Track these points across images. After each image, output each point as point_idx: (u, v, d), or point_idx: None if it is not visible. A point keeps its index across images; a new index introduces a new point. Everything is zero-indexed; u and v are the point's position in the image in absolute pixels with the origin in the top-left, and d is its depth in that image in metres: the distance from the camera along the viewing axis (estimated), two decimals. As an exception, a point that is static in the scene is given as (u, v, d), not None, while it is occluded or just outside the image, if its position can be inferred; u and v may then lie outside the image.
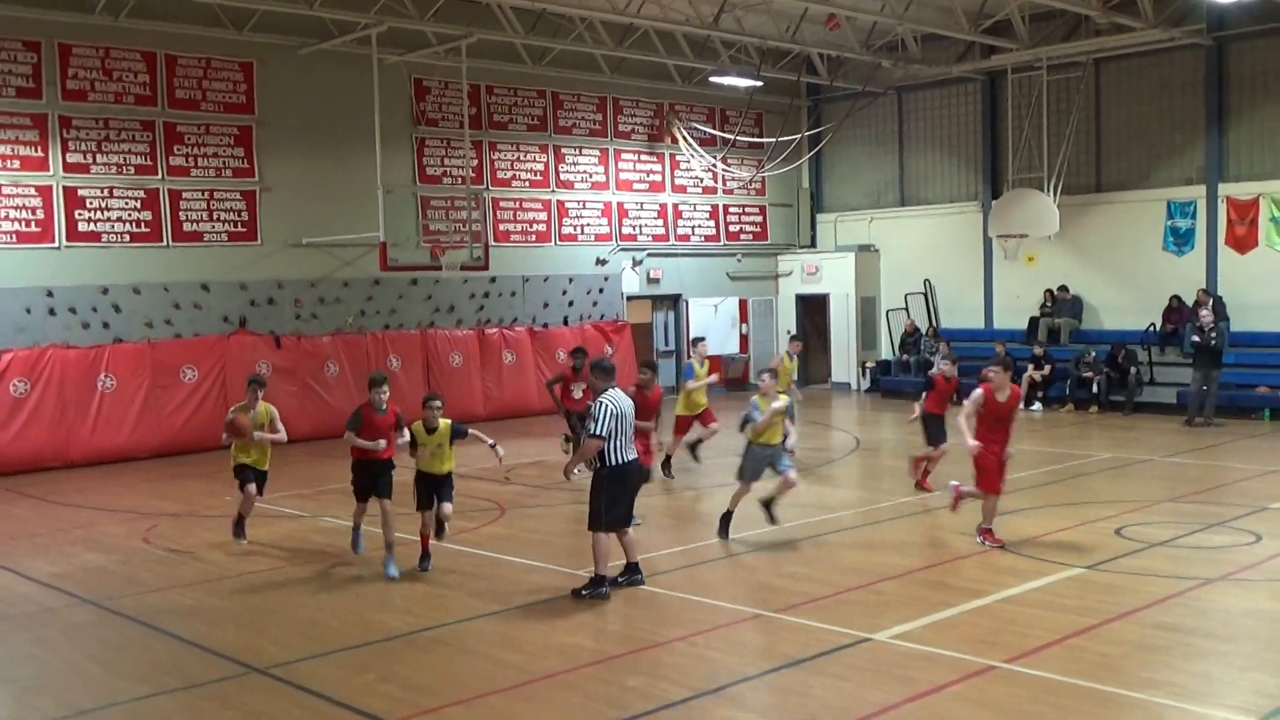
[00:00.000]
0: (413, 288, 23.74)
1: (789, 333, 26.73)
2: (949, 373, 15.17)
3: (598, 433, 9.86)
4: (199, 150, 21.15)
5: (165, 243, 20.78)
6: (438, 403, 11.59)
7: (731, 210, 29.92)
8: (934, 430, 15.01)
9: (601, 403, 9.97)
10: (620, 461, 10.03)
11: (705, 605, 10.07)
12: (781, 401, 12.47)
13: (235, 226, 21.59)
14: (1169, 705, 7.55)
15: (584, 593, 10.15)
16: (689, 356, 18.69)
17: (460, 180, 24.03)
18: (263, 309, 21.79)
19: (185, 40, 20.84)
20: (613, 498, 10.09)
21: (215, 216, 21.34)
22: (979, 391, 11.75)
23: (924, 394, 15.22)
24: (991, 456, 11.66)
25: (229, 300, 21.39)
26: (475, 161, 24.61)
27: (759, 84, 27.07)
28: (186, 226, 21.00)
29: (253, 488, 12.64)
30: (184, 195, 20.97)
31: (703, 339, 17.97)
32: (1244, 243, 23.64)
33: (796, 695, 7.70)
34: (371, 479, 11.52)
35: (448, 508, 11.41)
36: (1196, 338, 21.07)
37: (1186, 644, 8.75)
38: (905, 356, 27.76)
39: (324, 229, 22.21)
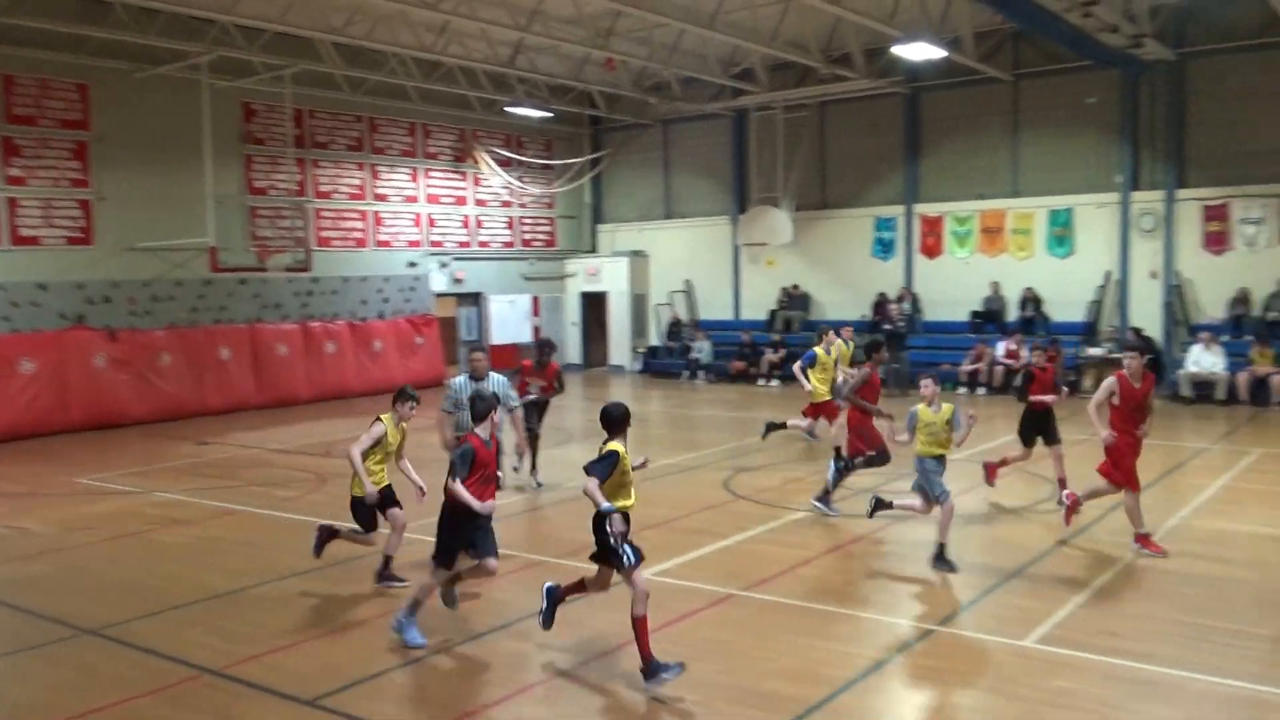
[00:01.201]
0: (241, 286, 22.63)
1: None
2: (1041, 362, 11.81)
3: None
4: (36, 162, 19.57)
5: (4, 245, 19.17)
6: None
7: (525, 221, 29.76)
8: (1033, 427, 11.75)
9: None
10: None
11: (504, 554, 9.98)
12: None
13: (72, 232, 20.09)
14: (868, 618, 7.98)
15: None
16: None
17: (286, 192, 23.08)
18: (99, 307, 20.32)
19: (23, 62, 19.22)
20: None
21: (52, 223, 19.80)
22: (1112, 379, 9.49)
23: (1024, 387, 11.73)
24: (1128, 448, 9.42)
25: (66, 299, 19.87)
26: (299, 176, 23.65)
27: (549, 114, 27.08)
28: (24, 231, 19.42)
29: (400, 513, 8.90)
30: (21, 203, 19.38)
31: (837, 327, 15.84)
32: (933, 251, 25.12)
33: (571, 626, 7.73)
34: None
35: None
36: (889, 325, 22.48)
37: (882, 569, 9.23)
38: (670, 343, 28.36)
39: (158, 234, 20.89)
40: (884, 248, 25.84)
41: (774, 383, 24.67)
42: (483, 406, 7.59)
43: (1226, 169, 21.47)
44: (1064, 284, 23.20)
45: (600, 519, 6.78)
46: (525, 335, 28.50)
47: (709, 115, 27.44)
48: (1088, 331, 22.67)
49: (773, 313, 26.92)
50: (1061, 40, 19.11)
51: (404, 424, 8.85)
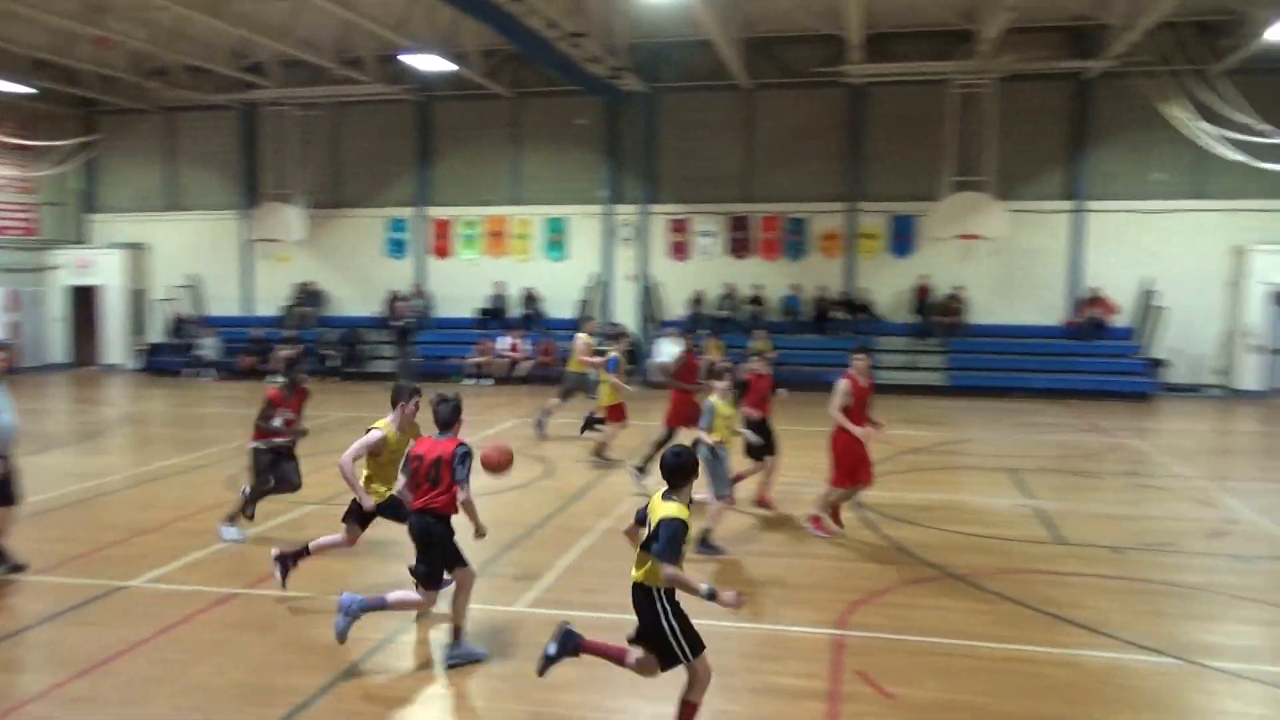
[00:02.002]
0: None
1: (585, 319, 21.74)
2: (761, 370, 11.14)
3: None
4: None
5: None
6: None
7: (1, 206, 25.57)
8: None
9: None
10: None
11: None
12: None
13: None
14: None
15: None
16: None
17: None
18: None
19: None
20: None
21: None
22: (845, 381, 9.57)
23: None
24: (855, 444, 9.58)
25: None
26: None
27: (31, 91, 23.42)
28: None
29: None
30: None
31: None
32: (443, 251, 25.58)
33: (45, 648, 6.80)
34: None
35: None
36: (397, 323, 22.63)
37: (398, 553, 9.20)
38: (175, 340, 26.00)
39: None
40: (397, 247, 25.83)
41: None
42: None
43: (688, 189, 24.30)
44: (559, 284, 24.80)
45: (648, 597, 5.31)
46: (1, 332, 24.55)
47: (217, 106, 25.53)
48: (578, 326, 24.39)
49: (287, 309, 25.74)
50: (553, 65, 20.38)
51: (413, 423, 7.65)
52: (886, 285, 23.66)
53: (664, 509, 5.24)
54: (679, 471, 5.30)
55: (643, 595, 5.33)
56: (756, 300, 23.76)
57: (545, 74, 22.92)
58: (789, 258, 24.15)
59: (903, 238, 23.56)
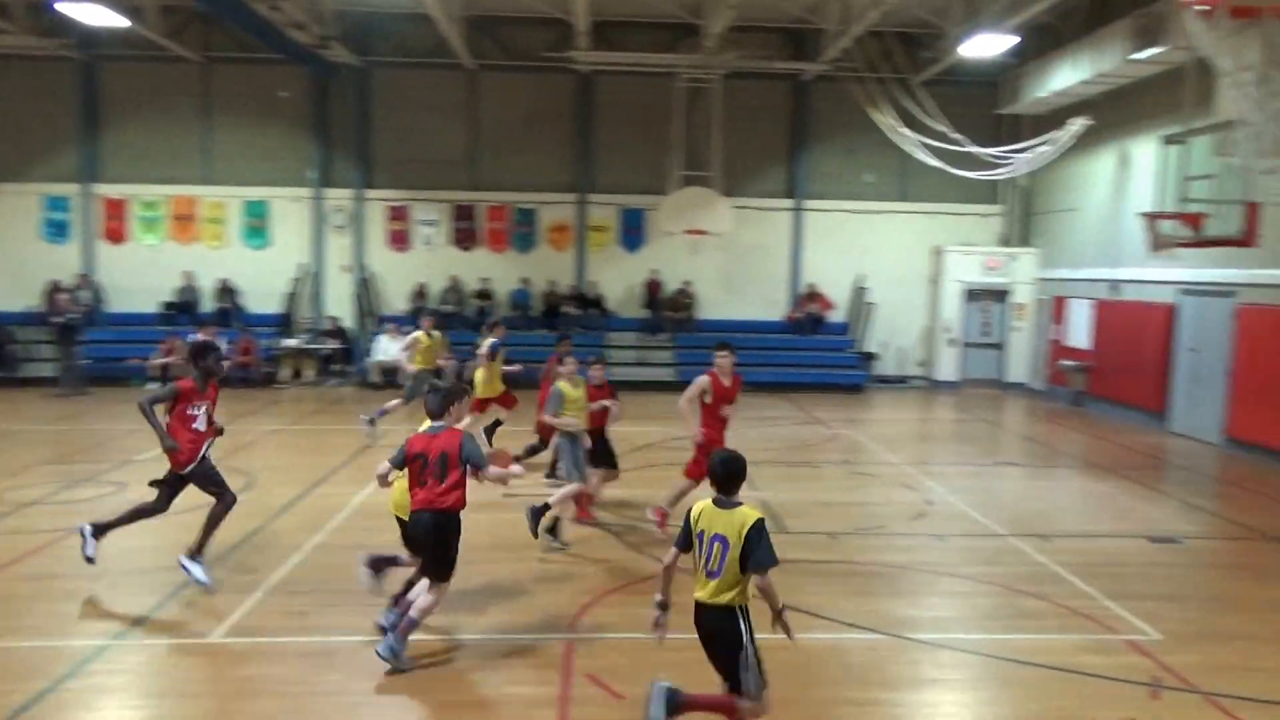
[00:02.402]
0: None
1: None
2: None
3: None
4: None
5: None
6: None
7: None
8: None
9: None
10: None
11: None
12: None
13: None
14: (29, 646, 7.26)
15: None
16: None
17: None
18: None
19: None
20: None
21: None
22: (705, 378, 9.77)
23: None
24: (716, 444, 9.48)
25: None
26: None
27: None
28: None
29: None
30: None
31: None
32: (118, 236, 23.69)
33: None
34: None
35: None
36: (58, 319, 20.70)
37: (52, 588, 8.47)
38: None
39: None
40: (57, 230, 23.63)
41: None
42: None
43: (407, 174, 23.96)
44: (261, 275, 23.68)
45: (731, 619, 5.28)
46: None
47: None
48: (283, 323, 23.47)
49: (-84, 300, 22.88)
50: (248, 28, 19.39)
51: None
52: (618, 279, 24.46)
53: (742, 516, 5.29)
54: (737, 477, 5.42)
55: (724, 618, 5.26)
56: (484, 294, 23.83)
57: (242, 38, 21.81)
58: (517, 250, 24.40)
59: (633, 231, 24.44)
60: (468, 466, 6.78)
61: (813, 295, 24.22)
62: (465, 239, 24.26)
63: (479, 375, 13.97)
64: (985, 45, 18.66)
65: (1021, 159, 20.72)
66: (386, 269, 24.13)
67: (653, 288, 24.19)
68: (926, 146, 20.64)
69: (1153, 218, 14.06)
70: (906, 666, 7.11)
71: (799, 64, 23.22)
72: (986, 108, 23.33)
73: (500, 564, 9.29)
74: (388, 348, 22.12)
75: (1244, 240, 12.74)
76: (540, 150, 24.22)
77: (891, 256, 24.37)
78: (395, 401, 15.34)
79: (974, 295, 23.92)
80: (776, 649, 7.20)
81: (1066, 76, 19.63)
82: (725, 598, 5.28)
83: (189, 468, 8.28)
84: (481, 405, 13.86)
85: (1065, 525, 11.10)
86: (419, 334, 15.80)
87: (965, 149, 20.20)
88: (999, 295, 23.90)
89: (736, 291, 24.57)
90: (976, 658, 7.30)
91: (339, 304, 23.86)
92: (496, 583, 8.75)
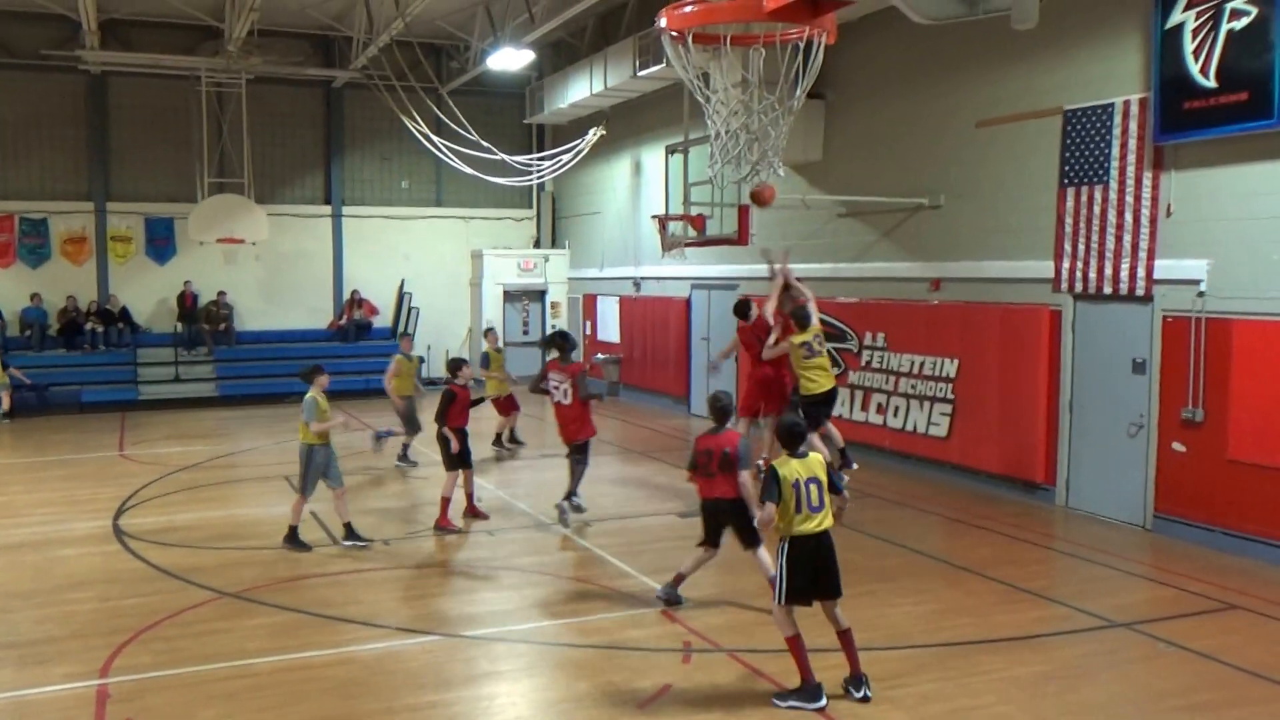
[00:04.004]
0: None
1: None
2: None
3: None
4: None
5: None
6: None
7: None
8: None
9: None
10: None
11: None
12: None
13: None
14: None
15: None
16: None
17: None
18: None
19: None
20: None
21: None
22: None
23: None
24: None
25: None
26: None
27: None
28: None
29: None
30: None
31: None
32: None
33: None
34: None
35: None
36: None
37: None
38: None
39: None
40: None
41: None
42: None
43: None
44: None
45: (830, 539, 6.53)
46: None
47: None
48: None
49: None
50: None
51: None
52: (147, 293, 22.25)
53: (817, 459, 6.48)
54: (801, 437, 6.55)
55: (829, 539, 6.38)
56: (-15, 314, 20.50)
57: None
58: (27, 264, 21.34)
59: (161, 241, 22.35)
60: None
61: (358, 301, 23.60)
62: (-41, 253, 20.76)
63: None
64: (507, 59, 19.19)
65: (546, 166, 21.60)
66: None
67: (188, 300, 22.19)
68: (458, 154, 20.85)
69: (662, 220, 15.19)
70: (462, 664, 7.07)
71: (329, 71, 22.49)
72: (516, 117, 24.11)
73: (45, 607, 7.96)
74: None
75: (739, 239, 14.15)
76: (49, 156, 21.45)
77: (433, 261, 24.41)
78: None
79: (513, 296, 24.62)
80: (334, 665, 6.88)
81: (582, 89, 20.76)
82: (830, 521, 6.43)
83: None
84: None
85: (606, 509, 11.59)
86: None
87: (496, 156, 20.69)
88: (537, 295, 24.81)
89: (278, 301, 23.33)
90: (530, 646, 7.44)
91: None
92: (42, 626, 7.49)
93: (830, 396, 10.91)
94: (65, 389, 20.05)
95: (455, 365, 11.16)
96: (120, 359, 21.14)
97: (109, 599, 8.44)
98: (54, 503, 12.18)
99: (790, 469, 6.30)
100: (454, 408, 10.64)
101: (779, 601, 6.30)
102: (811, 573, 6.28)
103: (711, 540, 7.84)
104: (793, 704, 6.23)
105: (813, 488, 6.29)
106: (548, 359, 11.14)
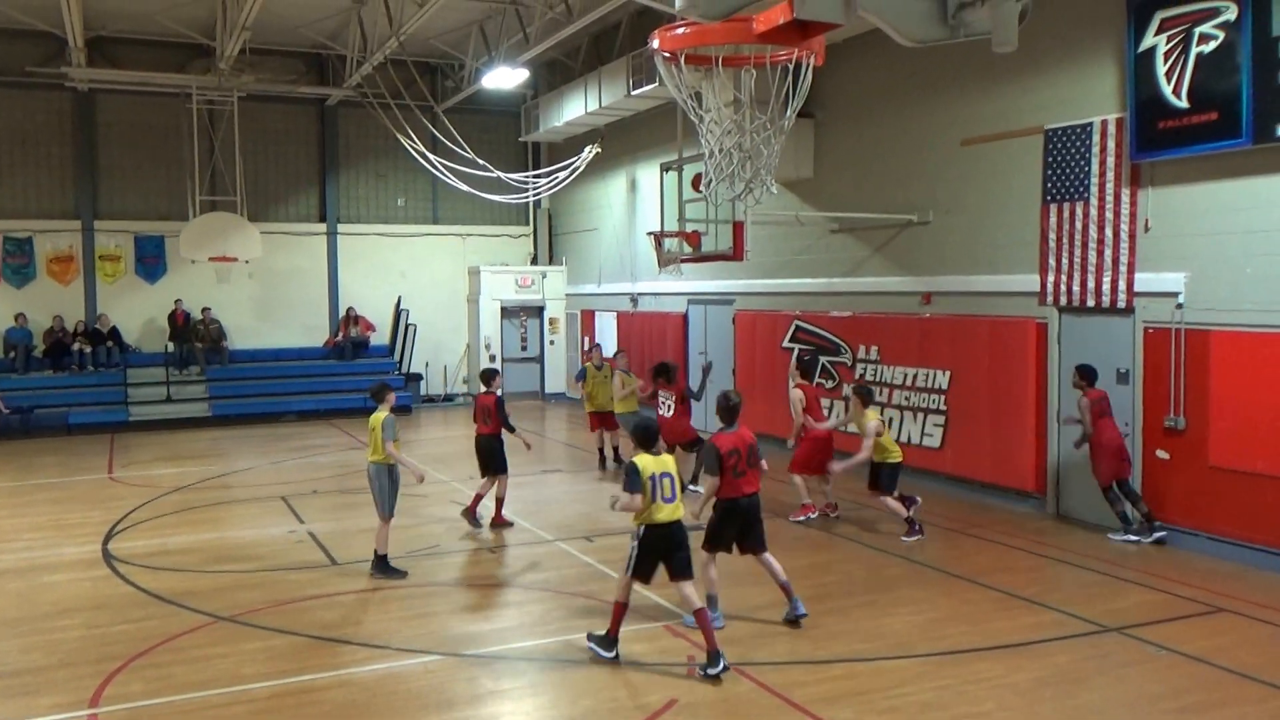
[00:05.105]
0: None
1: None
2: None
3: None
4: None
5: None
6: None
7: None
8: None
9: None
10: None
11: None
12: None
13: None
14: None
15: None
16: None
17: None
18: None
19: None
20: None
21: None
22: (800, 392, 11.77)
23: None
24: None
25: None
26: None
27: None
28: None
29: None
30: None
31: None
32: None
33: None
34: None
35: None
36: None
37: None
38: None
39: None
40: None
41: None
42: None
43: None
44: None
45: None
46: None
47: None
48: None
49: None
50: None
51: None
52: (137, 312, 22.23)
53: (669, 458, 7.36)
54: (654, 438, 7.38)
55: (681, 527, 7.25)
56: (-30, 334, 20.49)
57: None
58: (12, 283, 21.31)
59: (151, 260, 22.34)
60: None
61: (354, 319, 23.64)
62: (-57, 273, 20.76)
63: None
64: (502, 78, 19.31)
65: (542, 183, 21.71)
66: None
67: (179, 319, 22.19)
68: (455, 171, 20.94)
69: (658, 237, 15.29)
70: (464, 684, 7.09)
71: (322, 89, 22.58)
72: (511, 135, 24.22)
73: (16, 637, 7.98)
74: None
75: (734, 255, 14.28)
76: (35, 173, 21.44)
77: (429, 278, 24.47)
78: None
79: (510, 312, 24.69)
80: (333, 688, 6.90)
81: (577, 108, 20.89)
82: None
83: None
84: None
85: (607, 524, 11.58)
86: None
87: (492, 174, 20.79)
88: (535, 311, 24.88)
89: (273, 319, 23.34)
90: (532, 664, 7.48)
91: None
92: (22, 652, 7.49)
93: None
94: (52, 411, 19.98)
95: (489, 375, 12.25)
96: (109, 379, 21.08)
97: (98, 625, 8.38)
98: (41, 527, 12.06)
99: (647, 464, 7.10)
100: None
101: (628, 572, 7.24)
102: (665, 555, 7.19)
103: (727, 546, 8.01)
104: (592, 646, 7.36)
105: (666, 481, 7.13)
106: (656, 380, 13.28)
